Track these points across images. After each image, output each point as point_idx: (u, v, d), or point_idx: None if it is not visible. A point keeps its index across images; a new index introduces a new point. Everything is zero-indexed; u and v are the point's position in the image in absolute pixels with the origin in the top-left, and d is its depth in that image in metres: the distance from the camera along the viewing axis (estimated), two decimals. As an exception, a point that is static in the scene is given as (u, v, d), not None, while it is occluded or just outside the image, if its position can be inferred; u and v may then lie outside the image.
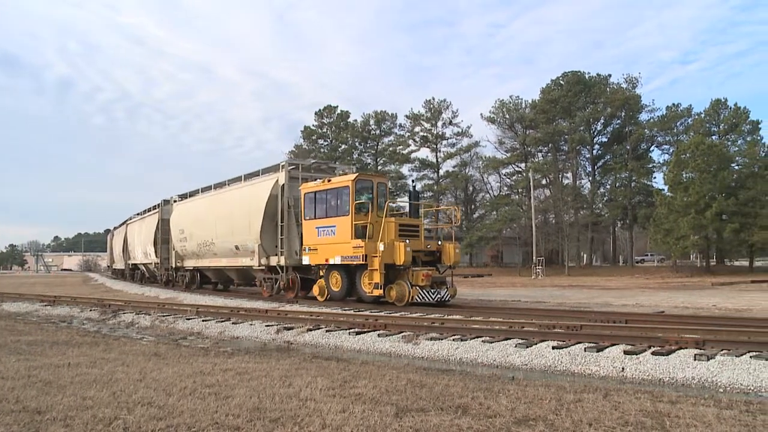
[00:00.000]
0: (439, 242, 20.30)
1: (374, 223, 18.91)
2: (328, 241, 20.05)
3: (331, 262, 19.97)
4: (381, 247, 18.22)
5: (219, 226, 26.85)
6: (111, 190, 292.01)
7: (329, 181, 20.64)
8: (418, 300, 18.23)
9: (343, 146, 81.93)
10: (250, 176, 26.55)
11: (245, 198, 25.22)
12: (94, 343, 12.21)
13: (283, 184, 22.99)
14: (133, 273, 45.36)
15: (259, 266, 23.89)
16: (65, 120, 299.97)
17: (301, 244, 21.69)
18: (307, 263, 21.19)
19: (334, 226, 19.87)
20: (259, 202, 23.58)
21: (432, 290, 18.69)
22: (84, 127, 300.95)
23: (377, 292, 18.54)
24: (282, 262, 22.82)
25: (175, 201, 33.81)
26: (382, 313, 16.11)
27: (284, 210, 22.85)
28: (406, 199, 23.61)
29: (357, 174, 20.32)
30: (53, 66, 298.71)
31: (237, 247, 25.54)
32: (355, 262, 19.08)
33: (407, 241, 18.47)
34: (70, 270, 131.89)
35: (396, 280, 18.69)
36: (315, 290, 21.38)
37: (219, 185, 29.18)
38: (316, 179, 22.10)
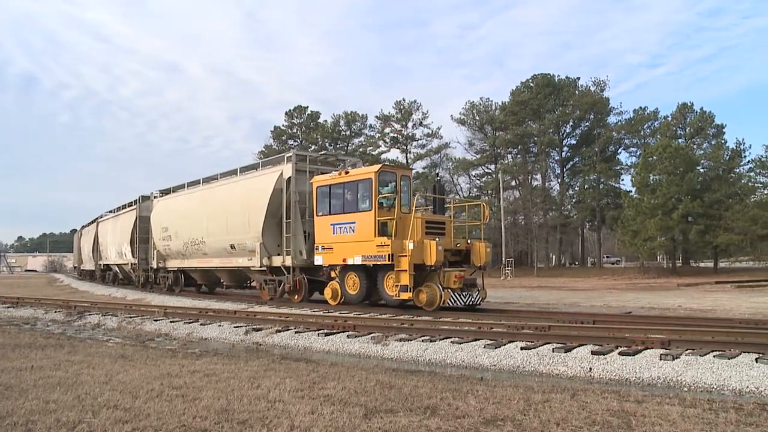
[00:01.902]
0: (468, 241, 18.61)
1: (399, 219, 17.33)
2: (346, 239, 18.26)
3: (350, 262, 18.14)
4: (410, 245, 16.52)
5: (211, 223, 24.84)
6: (77, 189, 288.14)
7: (347, 173, 18.90)
8: (450, 304, 16.71)
9: (313, 147, 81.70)
10: (247, 169, 24.88)
11: (244, 192, 23.10)
12: (58, 345, 11.99)
13: (289, 177, 21.05)
14: (105, 274, 43.07)
15: (260, 267, 21.94)
16: (29, 118, 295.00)
17: (306, 242, 20.41)
18: (320, 264, 19.38)
19: (354, 223, 18.11)
20: (261, 197, 21.55)
21: (463, 293, 17.24)
22: (49, 125, 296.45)
23: (405, 296, 16.72)
24: (288, 263, 20.86)
25: (155, 197, 31.58)
26: (351, 314, 16.08)
27: (291, 205, 20.88)
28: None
29: (380, 165, 18.53)
30: (15, 61, 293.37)
31: (233, 247, 23.59)
32: (379, 263, 17.25)
33: (437, 239, 16.92)
34: (35, 271, 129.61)
35: (424, 282, 17.13)
36: (327, 293, 19.63)
37: (209, 179, 27.21)
38: (322, 172, 20.60)
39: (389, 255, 16.79)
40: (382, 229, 17.33)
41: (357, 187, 18.31)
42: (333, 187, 19.06)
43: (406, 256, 16.57)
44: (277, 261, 21.42)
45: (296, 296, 20.91)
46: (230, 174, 25.65)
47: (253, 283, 25.75)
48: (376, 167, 18.14)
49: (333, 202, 19.04)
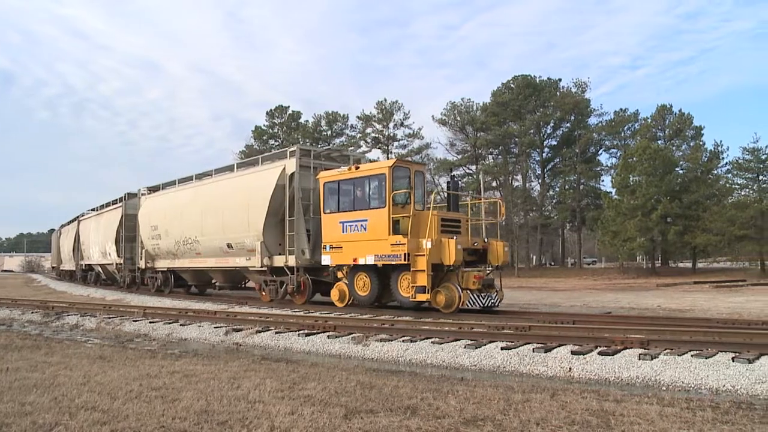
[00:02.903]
0: (485, 239, 17.59)
1: (414, 216, 16.43)
2: (357, 237, 17.30)
3: (361, 262, 17.19)
4: (428, 244, 15.68)
5: (206, 221, 23.68)
6: (56, 189, 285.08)
7: (357, 168, 17.95)
8: (469, 305, 16.02)
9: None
10: (244, 165, 24.14)
11: (243, 189, 21.99)
12: (35, 346, 11.86)
13: (293, 173, 20.09)
14: (86, 275, 41.35)
15: (260, 267, 20.89)
16: (6, 115, 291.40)
17: (309, 241, 19.61)
18: (328, 264, 18.42)
19: (366, 221, 17.15)
20: (262, 194, 20.57)
21: (482, 294, 16.50)
22: (27, 123, 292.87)
23: (422, 297, 15.77)
24: (291, 263, 19.84)
25: (143, 194, 30.19)
26: (332, 315, 16.06)
27: (295, 202, 19.97)
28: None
29: (395, 160, 17.66)
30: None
31: (230, 246, 22.48)
32: (393, 262, 16.35)
33: (454, 237, 16.09)
34: (11, 271, 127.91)
35: (441, 283, 16.32)
36: (333, 294, 18.63)
37: (202, 175, 26.10)
38: (325, 168, 19.82)
39: (405, 254, 15.93)
40: (396, 228, 16.54)
41: (369, 183, 17.53)
42: (342, 183, 18.12)
43: (423, 255, 15.69)
44: (279, 261, 20.47)
45: (300, 298, 19.99)
46: (226, 170, 24.84)
47: (249, 284, 25.22)
48: (390, 162, 17.43)
49: (342, 199, 18.12)
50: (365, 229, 17.16)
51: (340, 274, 18.61)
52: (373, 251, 16.85)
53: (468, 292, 16.00)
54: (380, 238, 16.63)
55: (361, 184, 17.79)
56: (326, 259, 18.27)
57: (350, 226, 17.59)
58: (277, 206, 20.35)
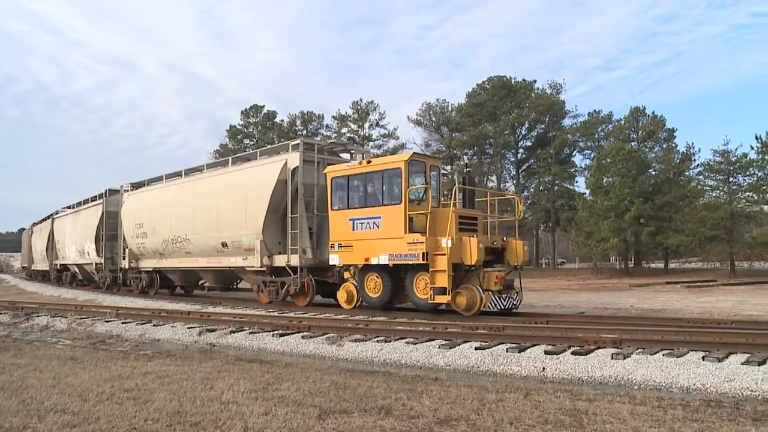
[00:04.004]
0: (504, 238, 16.72)
1: (432, 213, 15.50)
2: (369, 236, 16.30)
3: (374, 261, 16.20)
4: (448, 243, 14.80)
5: (198, 219, 22.47)
6: (26, 186, 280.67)
7: (369, 162, 17.00)
8: (490, 307, 15.23)
9: (269, 146, 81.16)
10: (240, 159, 23.05)
11: (240, 184, 20.80)
12: (3, 348, 11.71)
13: (295, 168, 19.11)
14: (61, 275, 39.62)
15: (260, 267, 19.78)
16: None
17: (311, 239, 18.94)
18: (336, 263, 17.37)
19: (379, 218, 16.15)
20: (262, 189, 19.55)
21: (502, 295, 15.71)
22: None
23: (442, 299, 14.83)
24: (294, 262, 18.90)
25: (126, 190, 28.82)
26: (306, 315, 15.99)
27: (298, 199, 19.00)
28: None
29: (411, 154, 16.50)
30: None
31: (224, 245, 21.35)
32: (410, 262, 15.37)
33: (474, 235, 15.34)
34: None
35: (461, 284, 15.38)
36: (341, 296, 17.63)
37: (193, 170, 25.02)
38: (328, 163, 19.03)
39: (423, 254, 14.96)
40: (411, 225, 15.61)
41: (383, 178, 16.58)
42: (352, 178, 17.13)
43: (443, 255, 14.77)
44: (279, 260, 19.49)
45: (302, 299, 19.18)
46: (219, 165, 23.93)
47: (241, 284, 24.51)
48: (406, 155, 16.37)
49: (352, 195, 17.14)
50: (378, 226, 16.21)
51: (347, 275, 17.71)
52: (387, 250, 15.90)
53: (489, 293, 15.21)
54: (395, 237, 15.67)
55: (373, 179, 16.85)
56: (334, 259, 17.25)
57: (361, 223, 16.62)
58: (278, 203, 19.52)
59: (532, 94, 71.75)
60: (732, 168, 46.24)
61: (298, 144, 19.49)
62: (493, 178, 74.90)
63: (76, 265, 35.29)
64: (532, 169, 72.67)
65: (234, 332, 13.35)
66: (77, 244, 34.12)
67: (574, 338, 10.21)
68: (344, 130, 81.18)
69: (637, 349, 9.26)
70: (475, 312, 14.95)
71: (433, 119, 75.49)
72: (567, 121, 72.18)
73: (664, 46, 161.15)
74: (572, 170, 70.91)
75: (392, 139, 78.61)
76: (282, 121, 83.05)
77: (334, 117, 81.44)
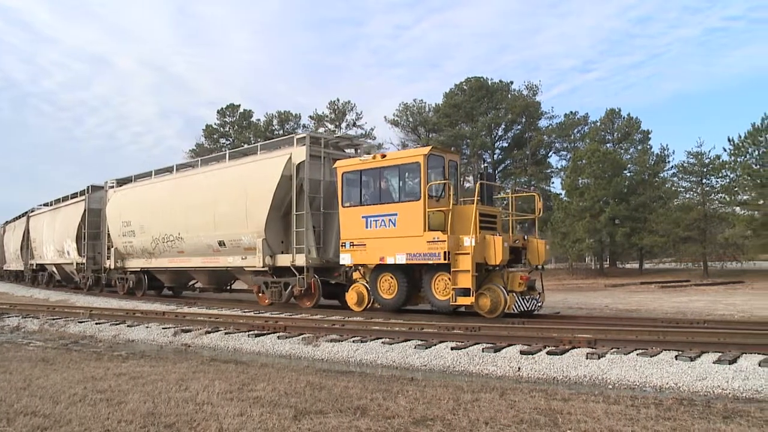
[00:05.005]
0: (525, 237, 15.94)
1: (452, 211, 14.78)
2: (385, 234, 15.46)
3: (390, 261, 15.36)
4: (472, 242, 14.07)
5: (192, 216, 21.48)
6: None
7: (384, 156, 16.18)
8: (515, 309, 14.38)
9: (245, 146, 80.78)
10: (238, 154, 22.23)
11: (240, 180, 19.86)
12: (-28, 349, 11.51)
13: (301, 163, 18.31)
14: (37, 275, 38.23)
15: (261, 267, 18.91)
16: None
17: (320, 237, 18.26)
18: (347, 263, 16.53)
19: (395, 215, 15.33)
20: (265, 185, 18.63)
21: (525, 297, 14.93)
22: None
23: (465, 301, 14.12)
24: (299, 262, 18.05)
25: (111, 186, 27.64)
26: (282, 315, 15.92)
27: (304, 195, 18.23)
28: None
29: (430, 147, 15.80)
30: None
31: (221, 244, 20.40)
32: (431, 261, 14.55)
33: (496, 234, 14.64)
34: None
35: (483, 284, 14.57)
36: (350, 298, 16.78)
37: (185, 166, 24.18)
38: (334, 158, 18.35)
39: (445, 253, 14.18)
40: (430, 223, 14.81)
41: (399, 173, 15.77)
42: (365, 173, 16.31)
43: (467, 254, 14.01)
44: (283, 260, 18.63)
45: (307, 301, 18.30)
46: (215, 160, 23.13)
47: (236, 285, 23.91)
48: (425, 149, 15.51)
49: (365, 191, 16.37)
50: (394, 224, 15.36)
51: (356, 275, 16.97)
52: (404, 249, 15.06)
53: (514, 294, 14.49)
54: (413, 235, 14.87)
55: (389, 174, 16.11)
56: (346, 258, 16.41)
57: (376, 221, 15.74)
58: (282, 199, 18.72)
59: (509, 95, 72.11)
60: (705, 170, 46.84)
61: (305, 138, 18.83)
62: (470, 178, 75.13)
63: (55, 265, 33.98)
64: (509, 170, 72.99)
65: (209, 332, 13.27)
66: (56, 243, 32.90)
67: (550, 338, 10.27)
68: (321, 130, 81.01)
69: (612, 348, 9.34)
70: (498, 314, 14.22)
71: (410, 119, 75.54)
72: (543, 122, 72.57)
73: (639, 49, 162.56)
74: (548, 171, 71.34)
75: (369, 139, 78.58)
76: (258, 120, 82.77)
77: (311, 117, 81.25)
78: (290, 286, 18.41)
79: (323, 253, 18.21)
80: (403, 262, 15.09)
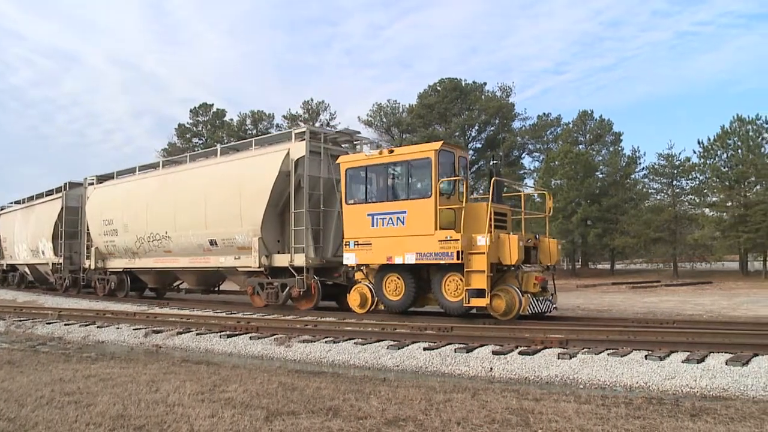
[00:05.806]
0: (537, 236, 15.37)
1: (464, 208, 14.16)
2: (392, 232, 14.71)
3: (398, 261, 14.59)
4: (486, 241, 13.42)
5: (180, 214, 20.63)
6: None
7: (391, 152, 15.62)
8: (529, 311, 13.80)
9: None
10: (229, 150, 21.38)
11: (234, 177, 19.02)
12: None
13: (299, 159, 17.70)
14: (7, 276, 36.49)
15: (257, 268, 18.16)
16: None
17: (320, 236, 17.81)
18: (352, 263, 15.65)
19: (404, 213, 14.58)
20: (261, 182, 17.92)
21: (539, 298, 14.31)
22: None
23: (479, 302, 13.43)
24: (298, 262, 17.39)
25: (91, 183, 26.39)
26: (254, 316, 15.82)
27: (303, 192, 17.62)
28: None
29: (440, 142, 14.95)
30: None
31: (213, 243, 19.56)
32: (443, 261, 13.83)
33: (510, 233, 14.19)
34: None
35: (496, 285, 13.85)
36: (352, 299, 15.98)
37: (171, 162, 23.36)
38: (333, 154, 17.97)
39: (458, 252, 13.47)
40: (441, 222, 14.17)
41: (408, 169, 15.12)
42: (371, 168, 15.54)
43: (481, 253, 13.35)
44: (281, 260, 17.99)
45: (306, 303, 17.54)
46: (203, 155, 22.46)
47: (224, 286, 23.27)
48: (436, 144, 14.71)
49: (371, 188, 15.62)
50: (403, 222, 14.61)
51: (359, 275, 16.20)
52: (413, 248, 14.31)
53: (528, 295, 13.85)
54: (424, 234, 14.15)
55: (397, 170, 15.42)
56: (350, 258, 15.60)
57: (382, 219, 14.97)
58: (278, 197, 18.09)
59: (483, 97, 72.47)
60: (675, 171, 47.54)
61: (304, 132, 18.28)
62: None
63: (28, 265, 32.61)
64: (482, 171, 73.37)
65: (181, 333, 13.16)
66: (29, 242, 31.49)
67: (522, 338, 10.32)
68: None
69: (583, 348, 9.41)
70: (513, 316, 13.56)
71: (384, 120, 75.59)
72: (516, 124, 72.99)
73: (610, 51, 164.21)
74: (521, 172, 71.78)
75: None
76: (231, 120, 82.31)
77: (284, 117, 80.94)
78: (288, 288, 17.75)
79: (322, 253, 17.76)
80: (413, 262, 14.40)
